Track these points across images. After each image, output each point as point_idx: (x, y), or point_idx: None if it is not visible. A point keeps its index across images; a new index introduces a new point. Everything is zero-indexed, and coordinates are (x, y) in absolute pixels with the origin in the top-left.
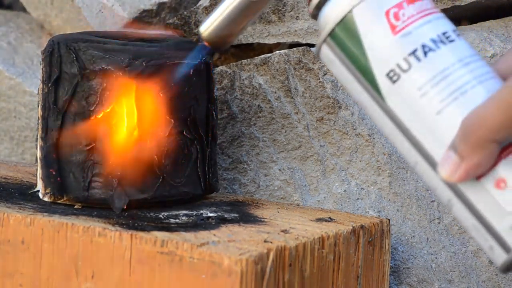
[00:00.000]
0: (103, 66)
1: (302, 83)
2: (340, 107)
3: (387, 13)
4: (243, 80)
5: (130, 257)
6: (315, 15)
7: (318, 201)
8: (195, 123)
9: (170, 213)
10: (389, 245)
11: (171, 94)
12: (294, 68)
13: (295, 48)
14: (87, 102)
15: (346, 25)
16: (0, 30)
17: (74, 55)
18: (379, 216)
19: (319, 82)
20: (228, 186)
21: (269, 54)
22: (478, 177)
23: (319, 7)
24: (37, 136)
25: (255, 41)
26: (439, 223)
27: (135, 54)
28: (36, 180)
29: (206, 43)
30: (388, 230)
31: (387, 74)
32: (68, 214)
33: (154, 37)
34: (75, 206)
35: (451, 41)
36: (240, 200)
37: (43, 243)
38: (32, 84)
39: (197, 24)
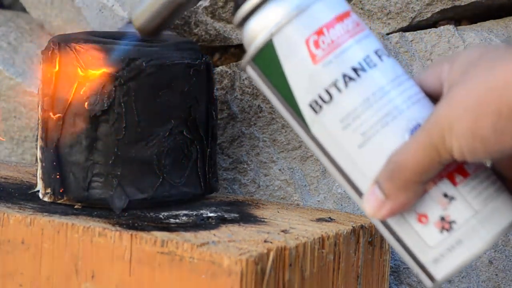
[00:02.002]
0: (103, 66)
1: None
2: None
3: (307, 41)
4: (243, 80)
5: (130, 257)
6: (239, 26)
7: (318, 201)
8: (195, 123)
9: (170, 213)
10: (389, 245)
11: (171, 94)
12: None
13: None
14: (87, 102)
15: (267, 52)
16: (0, 30)
17: (74, 55)
18: None
19: None
20: (228, 186)
21: None
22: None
23: (241, 24)
24: (37, 136)
25: None
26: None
27: (135, 54)
28: (36, 180)
29: (137, 31)
30: None
31: (310, 105)
32: (68, 214)
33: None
34: (75, 206)
35: (373, 66)
36: (240, 200)
37: (43, 243)
38: (32, 84)
39: (197, 24)
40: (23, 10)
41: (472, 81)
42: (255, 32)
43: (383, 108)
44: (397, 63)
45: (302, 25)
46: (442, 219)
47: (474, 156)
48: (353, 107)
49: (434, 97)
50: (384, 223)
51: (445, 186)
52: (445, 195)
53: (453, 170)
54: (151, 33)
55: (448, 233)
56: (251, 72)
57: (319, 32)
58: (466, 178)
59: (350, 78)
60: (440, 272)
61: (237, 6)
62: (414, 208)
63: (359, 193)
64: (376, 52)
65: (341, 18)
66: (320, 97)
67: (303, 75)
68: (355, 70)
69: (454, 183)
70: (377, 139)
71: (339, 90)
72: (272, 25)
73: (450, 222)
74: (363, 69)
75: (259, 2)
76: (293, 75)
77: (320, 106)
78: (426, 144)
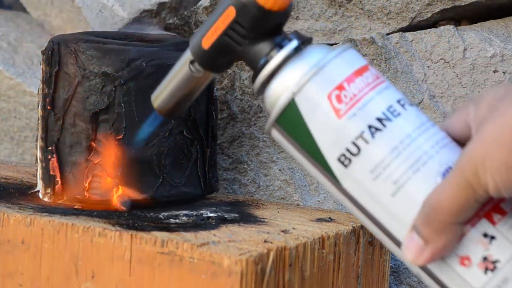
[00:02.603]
0: (103, 66)
1: None
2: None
3: (329, 97)
4: (243, 80)
5: (130, 257)
6: (260, 92)
7: (318, 201)
8: (195, 123)
9: (170, 213)
10: None
11: None
12: None
13: None
14: (87, 102)
15: (290, 112)
16: (0, 30)
17: (74, 55)
18: None
19: None
20: (228, 186)
21: None
22: (443, 256)
23: (262, 90)
24: (37, 136)
25: None
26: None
27: (135, 54)
28: (36, 180)
29: (157, 112)
30: None
31: (339, 159)
32: (68, 214)
33: (154, 37)
34: (75, 206)
35: (397, 115)
36: (240, 200)
37: (43, 243)
38: (32, 84)
39: (197, 24)
40: (23, 10)
41: (503, 116)
42: (277, 94)
43: (412, 154)
44: (420, 111)
45: (322, 82)
46: (485, 259)
47: (510, 190)
48: (382, 157)
49: (462, 142)
50: (426, 269)
51: (484, 226)
52: (485, 235)
53: (490, 209)
54: (168, 113)
55: (492, 273)
56: (276, 134)
57: (340, 87)
58: (504, 217)
59: (376, 129)
60: None
61: (256, 73)
62: (455, 251)
63: (397, 243)
64: (398, 102)
65: (360, 72)
66: (348, 150)
67: (329, 130)
68: (380, 120)
69: (492, 223)
70: (409, 185)
71: (366, 141)
72: (292, 84)
73: (494, 262)
74: (388, 119)
75: (277, 65)
76: (318, 131)
77: (349, 159)
78: (460, 182)
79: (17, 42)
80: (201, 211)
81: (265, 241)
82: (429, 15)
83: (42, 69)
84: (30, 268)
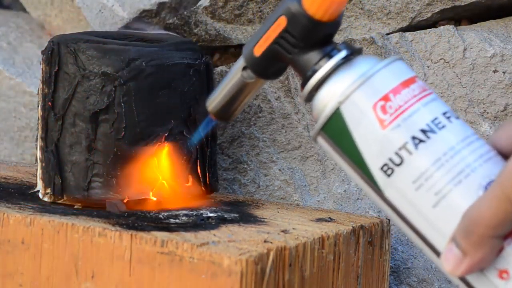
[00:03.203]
0: (103, 66)
1: None
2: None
3: (374, 107)
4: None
5: (130, 257)
6: (308, 100)
7: (318, 201)
8: (195, 123)
9: (170, 213)
10: (389, 245)
11: (171, 94)
12: None
13: None
14: (87, 102)
15: (335, 121)
16: (0, 30)
17: (74, 55)
18: (379, 216)
19: None
20: (228, 186)
21: None
22: (481, 269)
23: (310, 98)
24: (37, 136)
25: None
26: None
27: (135, 54)
28: (36, 180)
29: (212, 116)
30: (388, 230)
31: (381, 168)
32: (68, 214)
33: (154, 37)
34: (75, 206)
35: (442, 127)
36: (240, 200)
37: (43, 243)
38: (32, 84)
39: (197, 24)
40: (23, 10)
41: None
42: (324, 103)
43: (455, 167)
44: (466, 124)
45: (368, 92)
46: None
47: None
48: (424, 168)
49: (507, 156)
50: (465, 281)
51: None
52: None
53: None
54: (222, 117)
55: None
56: (322, 141)
57: (386, 98)
58: None
59: (420, 140)
60: None
61: (305, 81)
62: (493, 264)
63: (437, 253)
64: (444, 114)
65: (406, 83)
66: (391, 161)
67: (373, 140)
68: (424, 132)
69: None
70: (451, 197)
71: (409, 152)
72: (339, 94)
73: None
74: (432, 131)
75: (326, 74)
76: (362, 141)
77: (392, 169)
78: (499, 196)
79: (17, 42)
80: (201, 211)
81: (265, 241)
82: (429, 15)
83: (42, 69)
84: (30, 268)
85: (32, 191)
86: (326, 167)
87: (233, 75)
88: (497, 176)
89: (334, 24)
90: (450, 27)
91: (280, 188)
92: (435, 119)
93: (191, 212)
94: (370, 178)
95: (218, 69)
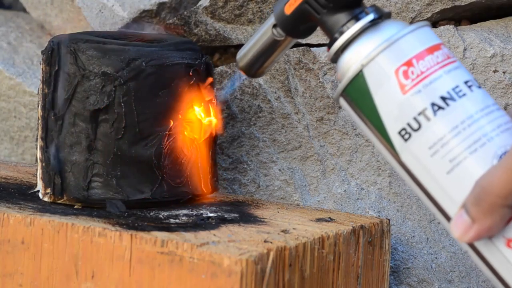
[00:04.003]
0: (103, 66)
1: (302, 83)
2: (340, 107)
3: (396, 72)
4: (243, 80)
5: (130, 257)
6: (333, 60)
7: (318, 201)
8: (195, 123)
9: (170, 213)
10: (389, 245)
11: (171, 94)
12: (294, 68)
13: (295, 48)
14: (87, 102)
15: (357, 83)
16: (0, 30)
17: (74, 55)
18: (379, 216)
19: (319, 82)
20: (228, 186)
21: None
22: (490, 236)
23: (335, 58)
24: (37, 136)
25: None
26: (439, 223)
27: (135, 54)
28: (36, 180)
29: (242, 72)
30: (388, 230)
31: (399, 132)
32: (68, 214)
33: (154, 37)
34: (75, 206)
35: (462, 95)
36: (240, 200)
37: (43, 243)
38: (32, 84)
39: (197, 24)
40: (23, 10)
41: None
42: (348, 65)
43: (472, 135)
44: (487, 94)
45: (392, 57)
46: None
47: None
48: (441, 135)
49: None
50: (474, 247)
51: None
52: None
53: None
54: (251, 73)
55: None
56: (343, 102)
57: (409, 63)
58: None
59: (439, 107)
60: None
61: (331, 42)
62: (502, 233)
63: (447, 217)
64: (466, 83)
65: (431, 50)
66: (409, 125)
67: (392, 105)
68: (443, 99)
69: None
70: (465, 165)
71: (427, 118)
72: (362, 56)
73: None
74: (452, 98)
75: (351, 37)
76: (382, 104)
77: (409, 134)
78: (511, 167)
79: (17, 42)
80: (201, 211)
81: (265, 241)
82: (429, 15)
83: (42, 69)
84: (30, 268)
85: (32, 191)
86: (326, 167)
87: (263, 32)
88: (511, 147)
89: None
90: (450, 27)
91: (280, 188)
92: (456, 87)
93: (191, 212)
94: (388, 141)
95: (218, 69)
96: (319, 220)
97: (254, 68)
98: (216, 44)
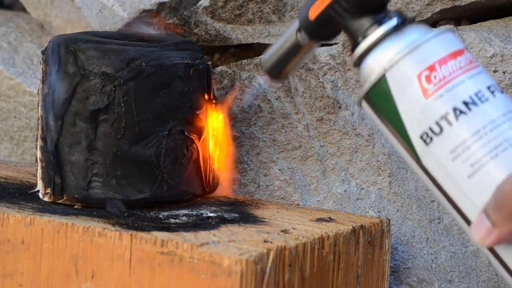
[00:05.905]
0: (103, 66)
1: (302, 83)
2: (340, 107)
3: (418, 76)
4: (243, 80)
5: (130, 257)
6: (356, 64)
7: (318, 201)
8: (195, 123)
9: (170, 213)
10: (389, 245)
11: (171, 94)
12: None
13: None
14: (87, 102)
15: (380, 87)
16: (0, 30)
17: (74, 56)
18: (379, 216)
19: (319, 82)
20: (228, 186)
21: None
22: (510, 241)
23: (358, 63)
24: (37, 136)
25: (255, 41)
26: (439, 223)
27: (135, 54)
28: (36, 180)
29: (266, 74)
30: (388, 230)
31: (421, 137)
32: (68, 214)
33: (154, 37)
34: (75, 206)
35: (485, 100)
36: (240, 200)
37: (43, 243)
38: (32, 84)
39: (197, 24)
40: (23, 10)
41: None
42: (371, 69)
43: (493, 140)
44: (510, 99)
45: (415, 61)
46: None
47: None
48: (463, 139)
49: None
50: (493, 251)
51: None
52: None
53: None
54: (276, 76)
55: None
56: (366, 106)
57: (431, 68)
58: None
59: (461, 112)
60: None
61: (354, 46)
62: None
63: (468, 221)
64: (488, 88)
65: (454, 55)
66: (431, 129)
67: (415, 109)
68: (466, 104)
69: None
70: (486, 169)
71: (449, 123)
72: (385, 61)
73: None
74: (474, 103)
75: (375, 42)
76: (405, 108)
77: (431, 138)
78: None
79: (17, 42)
80: (201, 211)
81: (265, 241)
82: (429, 15)
83: (42, 69)
84: (30, 268)
85: (32, 191)
86: (326, 167)
87: (288, 36)
88: None
89: None
90: (450, 27)
91: (280, 188)
92: (479, 92)
93: (191, 212)
94: (410, 145)
95: (218, 69)
96: (319, 220)
97: (278, 70)
98: (216, 44)
